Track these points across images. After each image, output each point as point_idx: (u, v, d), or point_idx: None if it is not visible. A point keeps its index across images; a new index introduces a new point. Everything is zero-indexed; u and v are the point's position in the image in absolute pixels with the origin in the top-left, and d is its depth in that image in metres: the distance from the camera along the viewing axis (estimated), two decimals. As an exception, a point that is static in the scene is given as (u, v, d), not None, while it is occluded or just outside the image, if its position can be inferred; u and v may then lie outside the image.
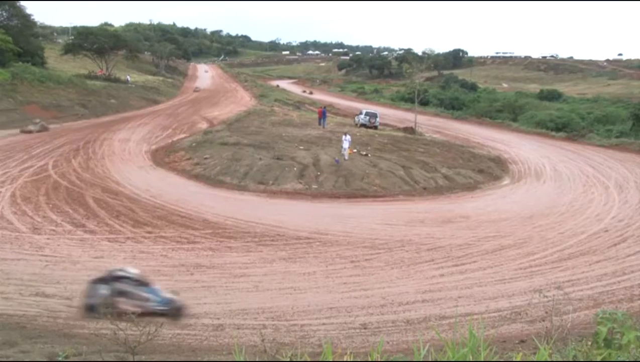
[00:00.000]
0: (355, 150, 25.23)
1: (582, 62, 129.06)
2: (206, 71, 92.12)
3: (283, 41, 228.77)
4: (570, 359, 3.31)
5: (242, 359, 3.28)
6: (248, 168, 21.68)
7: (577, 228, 16.29)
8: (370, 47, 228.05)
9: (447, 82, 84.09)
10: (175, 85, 71.25)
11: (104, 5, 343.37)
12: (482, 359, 2.90)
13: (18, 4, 50.71)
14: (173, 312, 8.70)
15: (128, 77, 60.07)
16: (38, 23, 69.47)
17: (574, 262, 13.09)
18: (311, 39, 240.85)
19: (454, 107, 58.72)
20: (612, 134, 40.35)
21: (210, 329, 8.75)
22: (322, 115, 35.05)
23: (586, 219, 17.44)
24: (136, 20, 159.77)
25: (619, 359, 2.75)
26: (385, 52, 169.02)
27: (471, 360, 2.87)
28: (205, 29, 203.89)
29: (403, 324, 9.35)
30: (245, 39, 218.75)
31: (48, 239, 13.02)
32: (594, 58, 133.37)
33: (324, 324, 9.27)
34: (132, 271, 9.03)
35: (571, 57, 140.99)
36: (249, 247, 13.32)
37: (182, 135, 30.84)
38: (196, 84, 76.34)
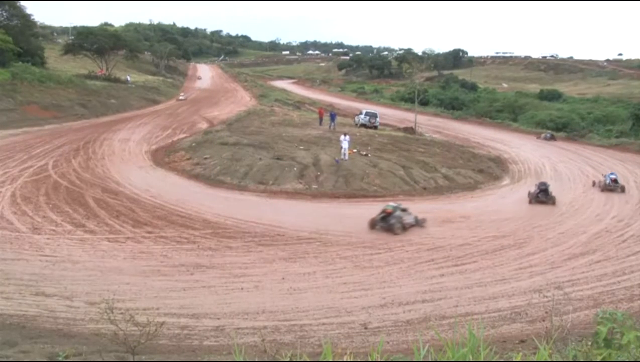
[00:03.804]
0: (355, 150, 25.22)
1: (582, 62, 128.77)
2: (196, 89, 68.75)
3: (283, 41, 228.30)
4: (570, 359, 3.31)
5: (242, 359, 3.28)
6: (248, 168, 21.68)
7: (577, 228, 16.30)
8: (370, 47, 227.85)
9: (447, 82, 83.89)
10: (175, 85, 71.27)
11: (104, 5, 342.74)
12: (482, 359, 2.90)
13: (18, 4, 50.71)
14: (420, 223, 15.72)
15: (128, 77, 60.06)
16: (38, 23, 69.42)
17: (574, 262, 13.09)
18: (311, 39, 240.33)
19: (454, 107, 58.68)
20: (612, 134, 40.39)
21: (210, 329, 8.75)
22: (331, 117, 34.88)
23: (586, 219, 17.44)
24: (136, 20, 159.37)
25: (619, 359, 2.75)
26: (385, 52, 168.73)
27: (471, 360, 2.87)
28: (205, 29, 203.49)
29: (403, 324, 9.34)
30: (245, 39, 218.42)
31: (48, 239, 13.03)
32: (594, 58, 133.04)
33: (324, 324, 9.26)
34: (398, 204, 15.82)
35: (571, 57, 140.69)
36: (249, 247, 13.32)
37: (182, 136, 30.85)
38: (196, 85, 76.39)
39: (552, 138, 39.08)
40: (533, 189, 20.90)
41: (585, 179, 24.85)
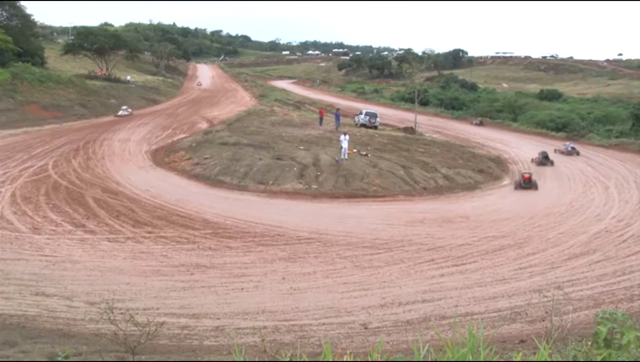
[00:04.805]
0: (355, 150, 25.23)
1: (582, 62, 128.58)
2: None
3: (283, 41, 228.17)
4: (570, 359, 3.31)
5: (242, 359, 3.28)
6: (248, 168, 21.68)
7: (577, 228, 16.30)
8: (370, 47, 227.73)
9: (447, 82, 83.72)
10: (175, 85, 71.23)
11: (104, 5, 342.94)
12: (482, 359, 2.90)
13: (18, 4, 50.77)
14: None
15: (128, 77, 60.05)
16: (38, 23, 69.52)
17: (574, 262, 13.08)
18: (311, 39, 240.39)
19: (454, 107, 58.61)
20: (612, 134, 40.37)
21: (210, 329, 8.75)
22: (336, 117, 34.88)
23: (586, 219, 17.44)
24: (136, 20, 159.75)
25: (619, 359, 2.75)
26: (385, 52, 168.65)
27: (471, 360, 2.87)
28: (205, 29, 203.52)
29: (403, 324, 9.34)
30: (245, 39, 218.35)
31: (48, 239, 13.03)
32: (594, 58, 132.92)
33: (324, 324, 9.26)
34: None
35: (571, 57, 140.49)
36: (249, 247, 13.32)
37: (182, 135, 30.85)
38: (196, 85, 76.35)
39: (481, 124, 46.95)
40: (535, 156, 29.23)
41: (585, 178, 24.86)
